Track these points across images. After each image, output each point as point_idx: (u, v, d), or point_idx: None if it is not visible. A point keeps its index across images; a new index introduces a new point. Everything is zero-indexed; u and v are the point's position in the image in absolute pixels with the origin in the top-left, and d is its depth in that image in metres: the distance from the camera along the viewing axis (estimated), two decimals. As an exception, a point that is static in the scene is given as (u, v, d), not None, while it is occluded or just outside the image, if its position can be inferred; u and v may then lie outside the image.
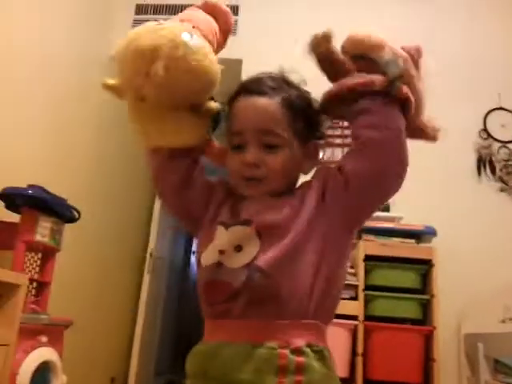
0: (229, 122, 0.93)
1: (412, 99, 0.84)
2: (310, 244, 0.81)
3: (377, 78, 0.83)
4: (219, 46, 0.91)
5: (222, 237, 0.85)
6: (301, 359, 0.75)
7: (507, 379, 2.30)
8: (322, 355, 0.78)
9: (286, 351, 0.75)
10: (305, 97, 0.95)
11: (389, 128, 0.83)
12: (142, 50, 0.77)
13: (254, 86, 0.92)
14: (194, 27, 0.82)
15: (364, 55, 0.86)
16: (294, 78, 0.98)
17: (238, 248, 0.82)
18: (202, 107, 0.85)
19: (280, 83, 0.93)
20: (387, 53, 0.84)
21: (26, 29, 2.49)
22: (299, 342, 0.76)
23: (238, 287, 0.79)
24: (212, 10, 0.90)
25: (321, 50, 0.88)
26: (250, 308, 0.79)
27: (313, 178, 0.90)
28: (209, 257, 0.84)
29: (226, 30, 0.92)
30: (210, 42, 0.83)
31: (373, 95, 0.83)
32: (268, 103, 0.89)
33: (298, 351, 0.76)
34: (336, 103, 0.88)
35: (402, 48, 0.89)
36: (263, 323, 0.78)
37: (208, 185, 0.94)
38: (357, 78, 0.85)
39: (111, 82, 0.81)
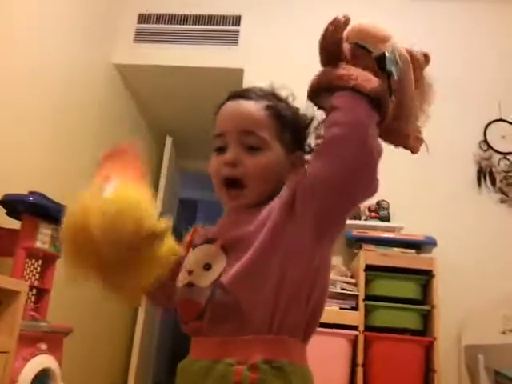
0: (215, 126, 0.93)
1: (384, 98, 0.79)
2: (274, 257, 0.78)
3: (359, 74, 0.79)
4: (140, 174, 0.90)
5: (191, 257, 0.87)
6: (255, 376, 0.73)
7: (508, 391, 2.29)
8: (281, 371, 0.75)
9: (243, 367, 0.74)
10: (293, 110, 0.94)
11: (352, 125, 0.77)
12: (72, 220, 0.84)
13: (241, 92, 0.93)
14: (108, 178, 0.86)
15: (364, 45, 0.84)
16: (283, 93, 0.97)
17: (207, 266, 0.83)
18: (146, 231, 0.80)
19: (267, 94, 0.94)
20: (386, 48, 0.81)
21: (27, 37, 2.50)
22: (256, 358, 0.75)
23: (204, 305, 0.80)
24: (118, 154, 0.94)
25: (339, 35, 0.85)
26: (214, 325, 0.79)
27: (285, 187, 0.86)
28: (181, 278, 0.86)
29: (138, 168, 0.91)
30: (127, 180, 0.85)
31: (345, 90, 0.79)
32: (252, 105, 0.89)
33: (253, 367, 0.74)
34: (321, 93, 0.85)
35: (409, 51, 0.88)
36: (225, 339, 0.78)
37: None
38: (339, 70, 0.81)
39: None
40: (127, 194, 0.82)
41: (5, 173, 2.27)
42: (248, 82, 3.34)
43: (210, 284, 0.80)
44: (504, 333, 2.63)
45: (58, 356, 2.05)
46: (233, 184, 0.87)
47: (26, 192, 2.12)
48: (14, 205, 2.08)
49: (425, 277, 2.59)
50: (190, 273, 0.84)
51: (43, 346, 1.92)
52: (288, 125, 0.91)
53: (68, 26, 2.90)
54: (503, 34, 3.36)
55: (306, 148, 0.94)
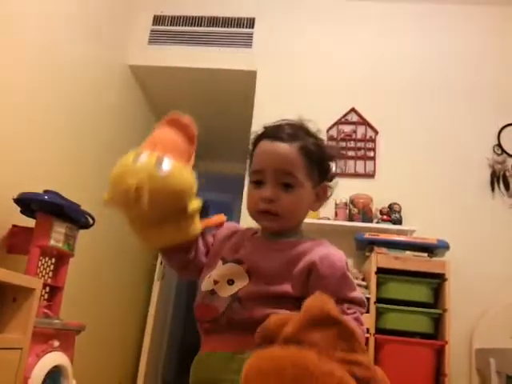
0: (252, 160, 1.07)
1: None
2: (287, 295, 0.94)
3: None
4: (189, 155, 1.03)
5: (220, 269, 1.01)
6: None
7: (520, 396, 2.27)
8: None
9: None
10: (319, 145, 1.07)
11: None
12: (127, 188, 0.89)
13: (275, 132, 1.04)
14: (164, 151, 0.94)
15: None
16: (311, 126, 1.09)
17: (231, 282, 0.98)
18: (187, 209, 0.97)
19: (298, 131, 1.05)
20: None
21: (42, 38, 2.53)
22: None
23: (222, 311, 0.95)
24: (175, 124, 1.03)
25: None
26: (230, 327, 0.94)
27: (312, 257, 0.96)
28: (207, 284, 1.00)
29: (191, 139, 1.04)
30: (180, 157, 0.97)
31: None
32: (288, 149, 1.01)
33: None
34: None
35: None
36: (241, 338, 0.90)
37: (206, 246, 1.09)
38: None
39: (107, 198, 0.95)
40: (180, 171, 0.94)
41: (20, 172, 2.30)
42: (261, 83, 3.35)
43: (229, 296, 0.95)
44: (516, 337, 2.61)
45: (70, 353, 2.06)
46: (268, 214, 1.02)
47: (40, 190, 2.14)
48: (29, 203, 2.11)
49: (437, 280, 2.57)
50: (215, 282, 0.98)
51: (56, 343, 1.93)
52: (316, 161, 1.04)
53: (83, 28, 2.93)
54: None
55: (328, 177, 1.09)
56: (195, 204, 0.98)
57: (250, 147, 1.10)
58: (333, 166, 1.09)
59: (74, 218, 2.20)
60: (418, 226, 2.83)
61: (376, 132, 3.12)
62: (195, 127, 1.05)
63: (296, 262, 0.96)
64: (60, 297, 2.21)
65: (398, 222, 2.88)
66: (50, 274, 2.22)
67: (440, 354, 2.46)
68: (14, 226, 2.17)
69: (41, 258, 2.12)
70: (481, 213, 3.00)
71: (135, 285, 3.88)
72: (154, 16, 3.65)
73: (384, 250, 2.63)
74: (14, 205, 2.12)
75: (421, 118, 3.22)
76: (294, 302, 0.92)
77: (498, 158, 3.11)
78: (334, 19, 3.51)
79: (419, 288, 2.57)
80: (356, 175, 3.05)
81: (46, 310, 2.08)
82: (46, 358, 1.85)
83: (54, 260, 2.24)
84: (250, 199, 1.04)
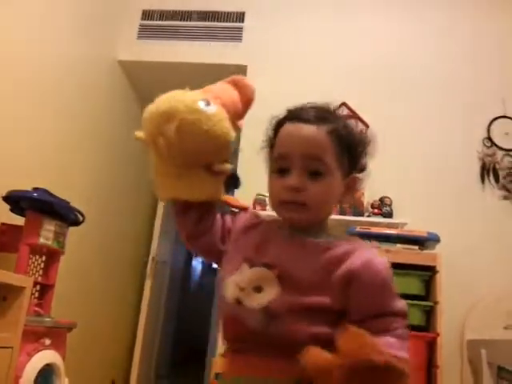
0: (275, 145, 0.94)
1: None
2: (325, 308, 0.82)
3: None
4: (239, 115, 0.97)
5: (245, 274, 0.87)
6: None
7: (510, 387, 2.29)
8: None
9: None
10: (351, 129, 0.95)
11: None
12: (161, 111, 0.85)
13: (301, 114, 0.93)
14: (215, 97, 0.89)
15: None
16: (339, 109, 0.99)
17: (258, 289, 0.84)
18: (216, 166, 0.90)
19: (326, 113, 0.94)
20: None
21: (29, 33, 2.50)
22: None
23: (253, 329, 0.82)
24: (236, 84, 0.98)
25: None
26: (260, 347, 0.82)
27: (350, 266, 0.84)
28: (230, 290, 0.86)
29: (247, 101, 0.98)
30: (228, 111, 0.90)
31: None
32: (316, 131, 0.89)
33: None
34: None
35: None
36: (273, 360, 0.80)
37: (223, 227, 0.97)
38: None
39: (140, 134, 0.89)
40: (226, 120, 0.88)
41: (9, 169, 2.27)
42: (251, 78, 3.33)
43: (258, 308, 0.82)
44: (507, 328, 2.63)
45: (62, 351, 2.06)
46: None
47: (29, 188, 2.12)
48: (18, 201, 2.09)
49: (428, 273, 2.58)
50: (241, 289, 0.85)
51: (47, 342, 1.92)
52: (346, 148, 0.92)
53: (71, 23, 2.90)
54: (507, 31, 3.34)
55: (359, 167, 0.97)
56: (227, 166, 0.91)
57: (270, 133, 0.98)
58: (364, 155, 0.97)
59: (64, 215, 2.19)
60: (408, 219, 2.84)
61: (367, 126, 3.12)
62: (254, 93, 0.99)
63: (334, 269, 0.83)
64: (51, 295, 2.20)
65: (389, 215, 2.89)
66: (41, 271, 2.20)
67: (432, 345, 2.47)
68: (3, 224, 2.16)
69: (31, 256, 2.11)
70: (471, 205, 3.02)
71: (127, 281, 3.87)
72: (143, 11, 3.63)
73: (375, 243, 2.64)
74: (3, 203, 2.10)
75: (411, 111, 3.22)
76: (332, 316, 0.82)
77: (488, 151, 3.13)
78: (324, 13, 3.50)
79: (410, 281, 2.57)
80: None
81: (36, 309, 2.06)
82: (38, 357, 1.84)
83: (44, 258, 2.22)
84: (273, 189, 0.92)
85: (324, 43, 3.43)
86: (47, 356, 1.91)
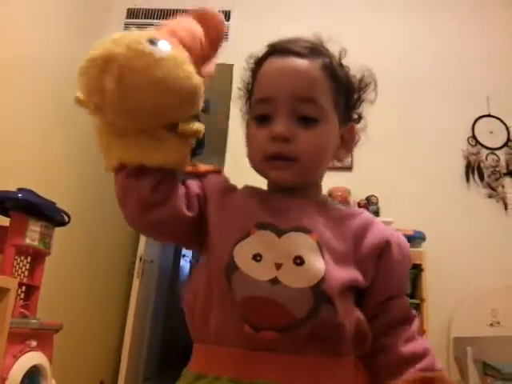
0: (254, 87, 0.76)
1: None
2: (356, 285, 0.70)
3: None
4: (205, 56, 0.72)
5: (275, 243, 0.67)
6: None
7: (496, 382, 2.32)
8: None
9: None
10: (346, 70, 0.79)
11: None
12: (94, 59, 0.63)
13: (291, 46, 0.76)
14: (170, 33, 0.67)
15: None
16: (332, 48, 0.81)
17: (299, 260, 0.65)
18: (179, 126, 0.68)
19: (319, 46, 0.78)
20: None
21: (14, 33, 2.48)
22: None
23: (300, 318, 0.62)
24: (200, 17, 0.75)
25: None
26: (306, 345, 0.63)
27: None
28: (259, 271, 0.65)
29: (216, 37, 0.74)
30: (189, 50, 0.67)
31: None
32: (309, 65, 0.72)
33: None
34: None
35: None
36: (318, 361, 0.64)
37: (188, 194, 0.73)
38: None
39: (80, 96, 0.67)
40: (186, 64, 0.64)
41: (-7, 169, 2.25)
42: (238, 77, 3.33)
43: (305, 288, 0.63)
44: (492, 325, 2.66)
45: (48, 353, 2.04)
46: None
47: (14, 189, 2.10)
48: (3, 201, 2.07)
49: (414, 271, 2.61)
50: (278, 266, 0.64)
51: (33, 343, 1.91)
52: (343, 89, 0.76)
53: (55, 22, 2.88)
54: (491, 31, 3.38)
55: (356, 115, 0.81)
56: (195, 125, 0.68)
57: (248, 75, 0.80)
58: (363, 100, 0.81)
59: (50, 215, 2.17)
60: (394, 217, 2.85)
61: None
62: (223, 25, 0.76)
63: (362, 239, 0.70)
64: (37, 296, 2.18)
65: (376, 213, 2.91)
66: (26, 273, 2.18)
67: (418, 343, 2.49)
68: (-12, 224, 2.13)
69: (16, 257, 2.08)
70: (456, 204, 3.05)
71: (114, 282, 3.85)
72: (128, 9, 3.61)
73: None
74: (-13, 203, 2.08)
75: (397, 111, 3.24)
76: (355, 295, 0.69)
77: (473, 150, 3.16)
78: (311, 12, 3.51)
79: (397, 279, 2.60)
80: (333, 168, 3.05)
81: (22, 310, 2.04)
82: (24, 358, 1.82)
83: (29, 259, 2.20)
84: (253, 142, 0.73)
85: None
86: (34, 358, 1.89)
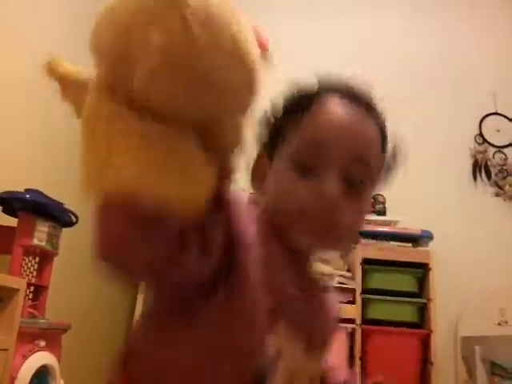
0: (299, 126, 0.61)
1: None
2: None
3: None
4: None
5: (296, 355, 0.60)
6: None
7: (504, 382, 2.31)
8: None
9: None
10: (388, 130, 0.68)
11: None
12: (131, 13, 0.40)
13: (352, 91, 0.65)
14: None
15: None
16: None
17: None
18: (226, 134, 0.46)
19: (372, 104, 0.66)
20: None
21: (13, 30, 2.49)
22: None
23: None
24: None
25: None
26: None
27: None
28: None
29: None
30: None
31: None
32: (373, 128, 0.62)
33: None
34: None
35: None
36: None
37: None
38: None
39: (71, 69, 0.44)
40: (249, 42, 0.46)
41: (1, 170, 2.26)
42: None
43: None
44: (500, 324, 2.65)
45: (57, 353, 2.05)
46: None
47: (22, 189, 2.11)
48: (11, 202, 2.08)
49: (421, 270, 2.60)
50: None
51: (42, 343, 1.91)
52: (384, 154, 0.66)
53: (55, 22, 2.89)
54: (498, 29, 3.36)
55: (379, 185, 0.69)
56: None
57: (294, 103, 0.64)
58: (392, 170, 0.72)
59: (57, 216, 2.18)
60: (401, 216, 2.85)
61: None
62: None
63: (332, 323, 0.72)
64: (45, 296, 2.19)
65: (383, 212, 2.90)
66: (34, 273, 2.19)
67: (426, 342, 2.49)
68: (-4, 225, 2.14)
69: (24, 257, 2.09)
70: (464, 202, 3.04)
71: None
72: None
73: (369, 240, 2.65)
74: (-4, 204, 2.09)
75: (403, 109, 3.23)
76: None
77: (480, 148, 3.15)
78: (311, 12, 3.50)
79: (404, 278, 2.59)
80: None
81: (31, 310, 2.05)
82: (33, 358, 1.83)
83: (37, 259, 2.21)
84: (287, 191, 0.57)
85: (302, 44, 3.39)
86: (42, 357, 1.90)
